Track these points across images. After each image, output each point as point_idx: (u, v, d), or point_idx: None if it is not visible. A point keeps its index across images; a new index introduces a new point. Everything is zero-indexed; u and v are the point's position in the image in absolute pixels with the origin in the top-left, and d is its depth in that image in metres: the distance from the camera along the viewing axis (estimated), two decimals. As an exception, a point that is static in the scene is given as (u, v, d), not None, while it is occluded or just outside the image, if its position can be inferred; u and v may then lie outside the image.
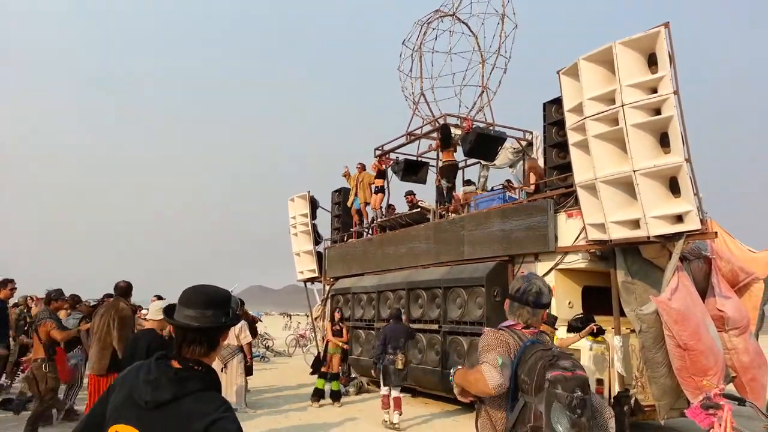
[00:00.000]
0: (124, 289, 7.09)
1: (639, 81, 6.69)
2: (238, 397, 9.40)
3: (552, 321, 7.03)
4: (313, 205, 15.49)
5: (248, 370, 9.87)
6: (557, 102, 8.26)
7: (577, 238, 7.77)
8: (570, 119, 7.50)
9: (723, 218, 7.28)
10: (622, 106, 6.68)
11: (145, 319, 9.17)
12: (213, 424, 1.66)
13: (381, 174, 12.99)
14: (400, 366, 8.32)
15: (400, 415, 8.22)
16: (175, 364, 1.80)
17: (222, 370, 9.51)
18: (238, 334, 9.69)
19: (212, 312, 1.85)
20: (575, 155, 7.43)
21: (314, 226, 15.47)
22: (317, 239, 15.44)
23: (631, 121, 6.61)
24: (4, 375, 9.53)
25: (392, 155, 13.29)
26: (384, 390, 8.61)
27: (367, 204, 13.47)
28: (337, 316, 10.84)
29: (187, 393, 1.71)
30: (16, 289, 8.55)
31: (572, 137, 7.45)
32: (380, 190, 12.93)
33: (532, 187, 9.73)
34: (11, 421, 8.22)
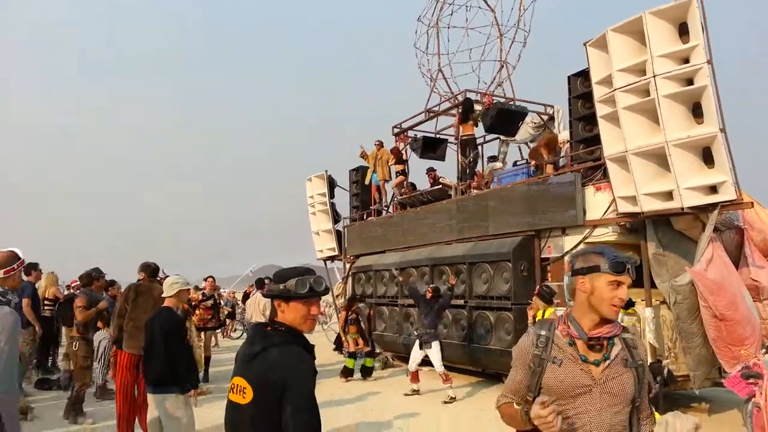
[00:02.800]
0: (154, 270, 7.23)
1: (671, 51, 6.62)
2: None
3: (549, 295, 7.03)
4: (331, 184, 15.52)
5: None
6: (583, 74, 8.18)
7: (606, 211, 7.75)
8: (598, 91, 7.43)
9: (752, 188, 7.24)
10: (654, 76, 6.62)
11: None
12: (291, 367, 2.14)
13: (401, 160, 13.02)
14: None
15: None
16: (268, 328, 2.28)
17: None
18: (263, 310, 9.81)
19: (273, 285, 2.32)
20: (604, 128, 7.39)
21: (333, 205, 15.51)
22: (336, 218, 15.50)
23: (663, 91, 6.55)
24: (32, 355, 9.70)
25: (410, 133, 13.25)
26: (413, 366, 8.75)
27: (386, 181, 13.47)
28: (352, 315, 10.90)
29: (272, 345, 2.19)
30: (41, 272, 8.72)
31: (601, 110, 7.40)
32: (402, 173, 12.94)
33: (544, 161, 9.68)
34: (52, 400, 8.40)
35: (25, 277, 8.37)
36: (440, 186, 11.55)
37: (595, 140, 7.81)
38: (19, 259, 3.63)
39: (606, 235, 7.84)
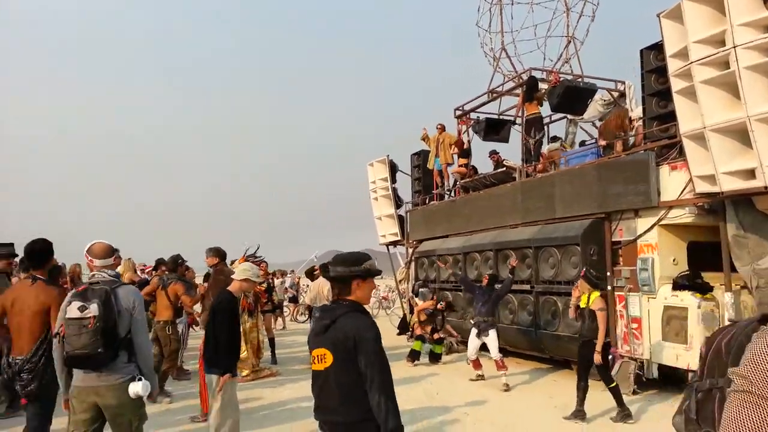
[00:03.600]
0: (224, 254, 7.47)
1: (753, 19, 6.15)
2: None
3: (595, 279, 6.75)
4: (393, 169, 15.50)
5: None
6: (657, 48, 7.79)
7: (682, 191, 7.38)
8: (673, 65, 7.04)
9: None
10: (734, 47, 6.18)
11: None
12: (358, 327, 2.54)
13: (465, 153, 12.84)
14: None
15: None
16: (332, 304, 2.71)
17: (315, 330, 9.81)
18: (327, 295, 9.92)
19: (341, 268, 2.68)
20: (679, 103, 7.00)
21: (395, 190, 15.51)
22: (398, 203, 15.49)
23: (744, 63, 6.12)
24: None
25: (473, 115, 13.03)
26: (472, 353, 8.65)
27: (449, 165, 13.32)
28: (436, 304, 10.84)
29: (341, 315, 2.58)
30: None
31: (676, 84, 7.01)
32: (464, 166, 12.77)
33: (615, 140, 9.28)
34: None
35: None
36: (504, 168, 11.31)
37: (670, 117, 7.44)
38: (117, 250, 4.01)
39: (682, 216, 7.46)
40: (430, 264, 12.97)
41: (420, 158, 14.77)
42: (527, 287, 9.60)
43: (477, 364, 8.74)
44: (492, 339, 8.44)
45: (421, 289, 12.01)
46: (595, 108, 11.21)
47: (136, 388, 3.55)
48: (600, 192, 8.51)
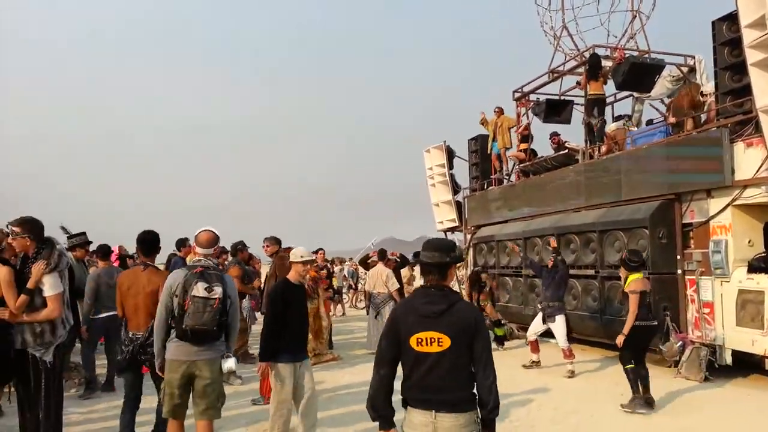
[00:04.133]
0: (281, 242, 7.62)
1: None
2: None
3: (631, 262, 6.44)
4: (450, 154, 15.36)
5: None
6: (730, 18, 7.38)
7: (758, 169, 6.99)
8: (748, 36, 6.69)
9: None
10: (819, 13, 5.79)
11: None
12: (476, 314, 2.79)
13: (525, 138, 12.57)
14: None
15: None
16: (434, 289, 2.77)
17: (375, 317, 9.83)
18: (386, 281, 9.94)
19: (438, 254, 2.78)
20: (756, 76, 6.65)
21: (452, 176, 15.38)
22: (456, 188, 15.35)
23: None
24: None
25: (532, 97, 12.71)
26: (531, 334, 8.49)
27: (507, 149, 13.08)
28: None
29: (455, 301, 2.73)
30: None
31: (751, 56, 6.67)
32: (524, 151, 12.50)
33: (685, 117, 8.84)
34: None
35: (177, 252, 9.03)
36: (566, 151, 10.99)
37: (745, 91, 7.08)
38: (218, 237, 4.42)
39: (758, 196, 7.07)
40: (489, 250, 12.80)
41: (477, 143, 14.56)
42: (591, 272, 9.33)
43: (534, 346, 8.50)
44: (557, 326, 8.14)
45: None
46: (663, 85, 10.72)
47: (228, 363, 4.08)
48: (669, 172, 8.15)
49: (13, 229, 4.26)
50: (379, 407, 2.74)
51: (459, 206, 15.00)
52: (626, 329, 6.13)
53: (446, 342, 2.64)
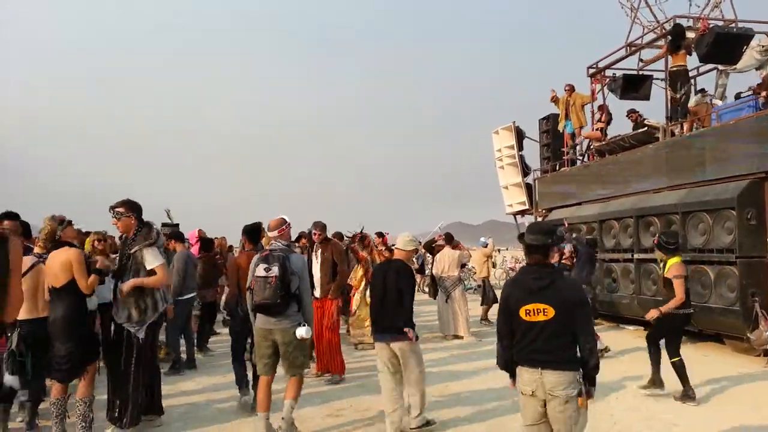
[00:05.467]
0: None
1: None
2: (466, 326, 9.54)
3: (666, 244, 5.95)
4: (519, 135, 14.99)
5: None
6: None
7: None
8: None
9: None
10: None
11: None
12: (579, 289, 3.42)
13: (605, 118, 12.07)
14: None
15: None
16: (538, 267, 3.24)
17: (446, 301, 9.73)
18: (458, 263, 9.87)
19: (542, 236, 3.24)
20: None
21: (522, 157, 15.02)
22: (526, 170, 14.99)
23: None
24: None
25: (608, 72, 12.13)
26: None
27: (581, 128, 12.56)
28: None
29: (558, 278, 3.22)
30: None
31: None
32: (602, 131, 11.97)
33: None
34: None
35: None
36: (645, 128, 10.44)
37: None
38: (287, 222, 4.91)
39: None
40: (561, 233, 12.41)
41: (549, 123, 14.10)
42: (672, 256, 8.85)
43: None
44: None
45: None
46: (751, 56, 9.96)
47: (301, 331, 4.61)
48: (760, 149, 7.58)
49: (118, 210, 4.64)
50: (507, 367, 3.35)
51: (529, 189, 14.64)
52: (665, 309, 5.73)
53: (551, 312, 3.11)
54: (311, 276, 6.59)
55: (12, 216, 5.11)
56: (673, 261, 5.88)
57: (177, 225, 7.81)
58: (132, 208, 4.70)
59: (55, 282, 4.50)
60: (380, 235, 10.73)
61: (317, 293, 6.88)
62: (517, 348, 3.23)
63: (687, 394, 5.74)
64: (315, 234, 7.09)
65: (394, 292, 4.79)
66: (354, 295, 8.95)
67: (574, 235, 8.19)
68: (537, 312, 3.13)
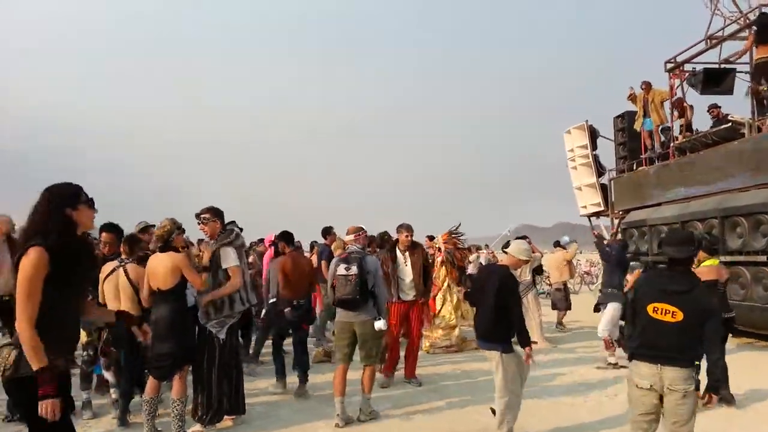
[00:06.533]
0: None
1: None
2: (540, 332, 9.33)
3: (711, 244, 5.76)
4: (593, 134, 14.60)
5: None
6: None
7: None
8: None
9: None
10: None
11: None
12: (712, 300, 3.56)
13: (687, 127, 11.55)
14: None
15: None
16: (679, 274, 3.42)
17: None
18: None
19: (686, 248, 3.41)
20: None
21: (596, 157, 14.62)
22: (600, 171, 14.57)
23: None
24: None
25: (687, 67, 11.61)
26: (602, 331, 7.57)
27: (660, 126, 12.06)
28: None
29: (695, 286, 3.35)
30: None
31: None
32: (687, 127, 11.45)
33: None
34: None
35: (324, 239, 9.39)
36: (729, 124, 9.92)
37: None
38: (363, 229, 5.55)
39: None
40: (640, 235, 11.95)
41: (624, 121, 13.64)
42: (763, 258, 8.35)
43: (607, 344, 7.56)
44: (605, 313, 7.60)
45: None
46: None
47: (379, 324, 5.24)
48: None
49: (204, 216, 5.06)
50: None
51: (604, 189, 14.21)
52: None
53: (679, 315, 3.27)
54: (397, 279, 6.78)
55: (111, 228, 5.68)
56: (711, 262, 5.62)
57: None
58: (216, 213, 5.11)
59: (162, 285, 4.72)
60: (431, 238, 10.63)
61: (408, 296, 6.79)
62: (637, 342, 3.42)
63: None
64: (406, 235, 7.00)
65: (492, 299, 4.55)
66: (436, 295, 8.91)
67: (605, 240, 7.95)
68: (665, 312, 3.29)
